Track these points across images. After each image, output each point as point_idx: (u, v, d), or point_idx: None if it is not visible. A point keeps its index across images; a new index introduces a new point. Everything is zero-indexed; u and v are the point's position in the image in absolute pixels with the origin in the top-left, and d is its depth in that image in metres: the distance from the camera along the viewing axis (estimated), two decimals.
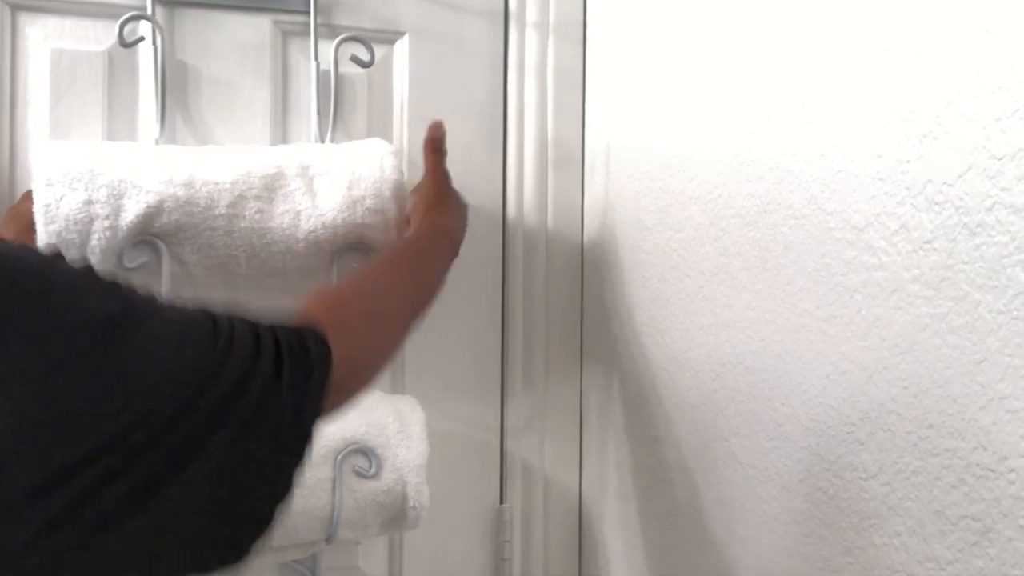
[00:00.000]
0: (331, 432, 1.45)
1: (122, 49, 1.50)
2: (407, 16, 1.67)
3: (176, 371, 0.83)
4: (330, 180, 1.45)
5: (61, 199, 1.30)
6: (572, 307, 1.76)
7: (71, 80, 1.51)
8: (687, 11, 1.37)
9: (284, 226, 1.41)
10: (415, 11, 1.67)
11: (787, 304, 1.15)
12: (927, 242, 0.93)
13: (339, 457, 1.44)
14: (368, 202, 1.45)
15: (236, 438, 0.87)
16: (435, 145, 1.51)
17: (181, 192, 1.35)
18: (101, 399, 0.77)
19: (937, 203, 0.92)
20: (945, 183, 0.91)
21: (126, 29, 1.47)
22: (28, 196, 1.34)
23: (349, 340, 1.04)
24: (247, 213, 1.38)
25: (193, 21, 1.57)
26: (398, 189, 1.48)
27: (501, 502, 1.75)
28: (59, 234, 1.29)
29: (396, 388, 1.68)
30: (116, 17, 1.49)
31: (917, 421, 0.95)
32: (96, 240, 1.31)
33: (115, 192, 1.32)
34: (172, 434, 0.81)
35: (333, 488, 1.43)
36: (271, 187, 1.41)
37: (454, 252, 1.45)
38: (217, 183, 1.37)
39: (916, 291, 0.95)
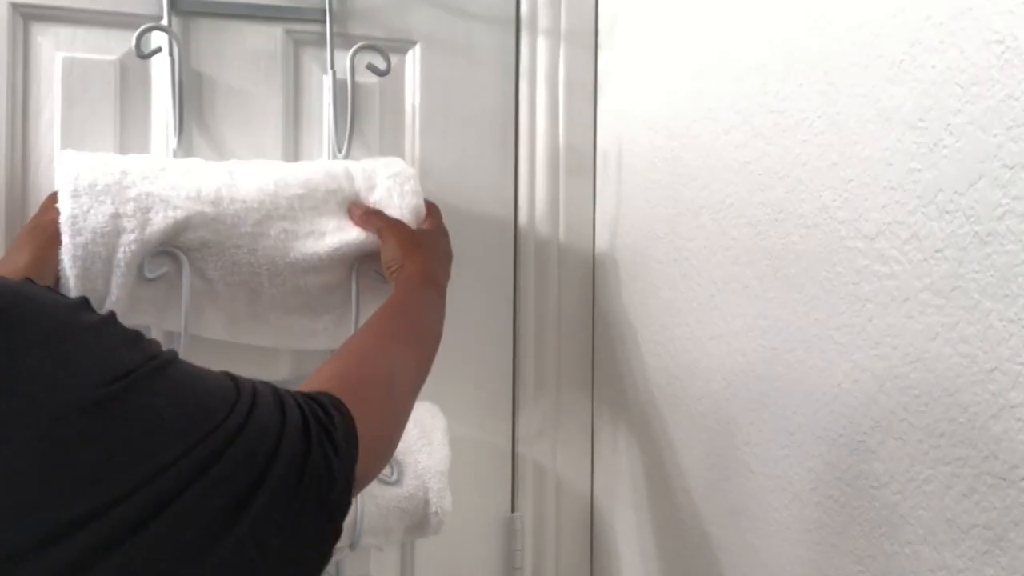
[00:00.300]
0: None
1: (134, 58, 1.49)
2: (419, 25, 1.67)
3: (185, 430, 0.82)
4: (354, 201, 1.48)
5: (88, 211, 1.30)
6: (583, 315, 1.76)
7: (83, 89, 1.51)
8: (698, 19, 1.38)
9: (308, 245, 1.42)
10: (427, 20, 1.67)
11: (798, 313, 1.16)
12: (938, 251, 0.94)
13: None
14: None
15: (272, 504, 0.85)
16: (363, 216, 1.51)
17: (209, 209, 1.36)
18: (117, 451, 0.76)
19: (948, 212, 0.92)
20: (956, 192, 0.91)
21: (141, 40, 1.47)
22: (50, 208, 1.34)
23: (367, 414, 1.03)
24: (272, 232, 1.40)
25: (207, 31, 1.58)
26: (417, 212, 1.51)
27: (513, 511, 1.75)
28: (85, 246, 1.29)
29: None
30: (128, 27, 1.50)
31: (928, 430, 0.96)
32: (122, 253, 1.31)
33: (142, 206, 1.33)
34: (197, 493, 0.80)
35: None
36: (297, 207, 1.42)
37: (441, 295, 1.45)
38: (245, 202, 1.39)
39: (927, 300, 0.95)
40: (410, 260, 1.44)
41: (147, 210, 1.33)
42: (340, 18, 1.62)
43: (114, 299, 1.31)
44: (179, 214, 1.34)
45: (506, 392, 1.75)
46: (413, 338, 1.31)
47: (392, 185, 1.51)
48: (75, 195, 1.30)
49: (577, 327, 1.76)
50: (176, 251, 1.36)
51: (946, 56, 0.93)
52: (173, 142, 1.52)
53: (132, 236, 1.32)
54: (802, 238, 1.14)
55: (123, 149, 1.52)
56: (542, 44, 1.72)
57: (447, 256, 1.53)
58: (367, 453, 1.00)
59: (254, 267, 1.40)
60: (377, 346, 1.24)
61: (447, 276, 1.52)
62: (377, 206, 1.50)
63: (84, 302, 0.82)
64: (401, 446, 1.47)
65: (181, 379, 0.85)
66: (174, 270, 1.37)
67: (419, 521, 1.50)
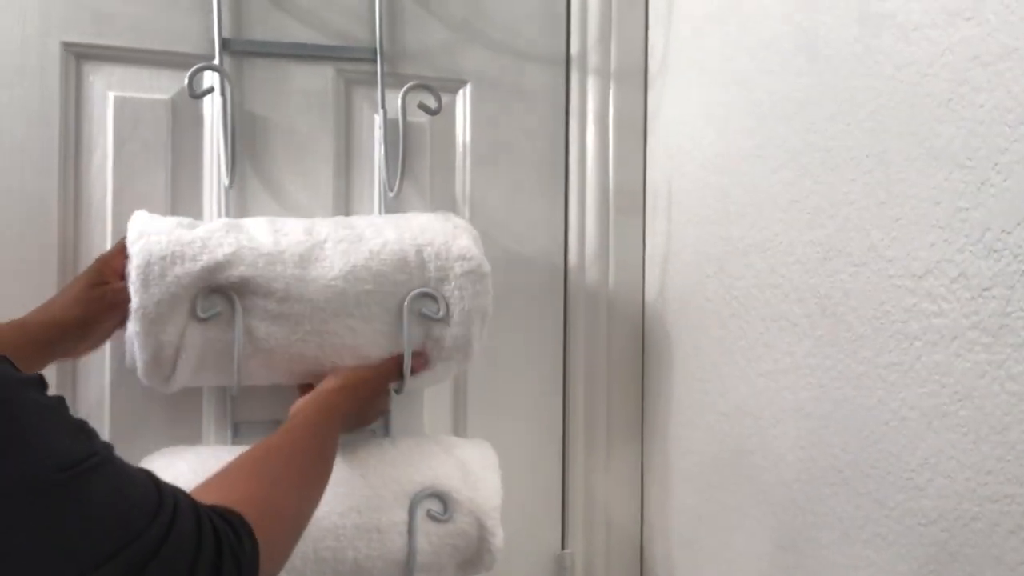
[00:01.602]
0: (405, 476, 1.49)
1: (186, 97, 1.52)
2: (469, 64, 1.70)
3: (114, 533, 0.83)
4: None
5: (156, 286, 1.35)
6: (633, 352, 1.77)
7: (135, 128, 1.54)
8: (747, 57, 1.40)
9: (371, 337, 1.50)
10: (477, 59, 1.70)
11: (847, 351, 1.17)
12: (986, 289, 0.95)
13: (413, 501, 1.47)
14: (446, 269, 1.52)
15: None
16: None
17: (273, 307, 1.42)
18: (55, 541, 0.77)
19: (996, 250, 0.94)
20: (1004, 231, 0.93)
21: (193, 79, 1.49)
22: (116, 263, 1.38)
23: (270, 547, 1.05)
24: (340, 329, 1.48)
25: (259, 70, 1.61)
26: (484, 313, 1.56)
27: (562, 548, 1.76)
28: (157, 303, 1.35)
29: (459, 432, 1.71)
30: (180, 66, 1.53)
31: (976, 467, 0.97)
32: (189, 307, 1.38)
33: (212, 268, 1.37)
34: None
35: (408, 532, 1.46)
36: (365, 302, 1.48)
37: (344, 421, 1.44)
38: (312, 301, 1.44)
39: (975, 338, 0.96)
40: (328, 379, 1.48)
41: (222, 269, 1.38)
42: (391, 57, 1.65)
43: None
44: (247, 271, 1.40)
45: (556, 428, 1.76)
46: (317, 475, 1.31)
47: (465, 283, 1.53)
48: (147, 265, 1.35)
49: (627, 364, 1.77)
50: (230, 292, 1.39)
51: (993, 95, 0.94)
52: (225, 181, 1.54)
53: (194, 273, 1.36)
54: (850, 276, 1.15)
55: (175, 188, 1.56)
56: (592, 83, 1.74)
57: (372, 404, 1.54)
58: (266, 570, 1.03)
59: (319, 358, 1.47)
60: (291, 475, 1.24)
61: (360, 421, 1.53)
62: (443, 297, 1.52)
63: (38, 379, 0.83)
64: (454, 483, 1.51)
65: (116, 479, 0.86)
66: (227, 311, 1.40)
67: (472, 557, 1.52)
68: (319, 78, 1.63)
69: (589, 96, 1.75)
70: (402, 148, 1.63)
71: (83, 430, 0.85)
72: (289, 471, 1.24)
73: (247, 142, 1.60)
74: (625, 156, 1.75)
